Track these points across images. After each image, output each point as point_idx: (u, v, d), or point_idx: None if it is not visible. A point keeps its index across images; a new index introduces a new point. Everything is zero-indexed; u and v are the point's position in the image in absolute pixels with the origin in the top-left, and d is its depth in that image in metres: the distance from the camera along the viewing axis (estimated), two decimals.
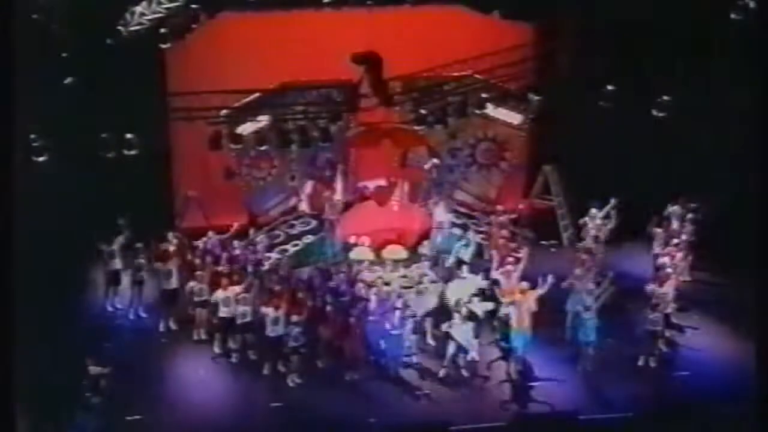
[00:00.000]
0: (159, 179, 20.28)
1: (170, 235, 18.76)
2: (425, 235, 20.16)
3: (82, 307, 18.50)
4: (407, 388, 16.71)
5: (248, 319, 17.04)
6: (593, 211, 19.85)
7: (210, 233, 18.97)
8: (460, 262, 18.62)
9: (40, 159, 17.40)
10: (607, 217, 19.72)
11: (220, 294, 17.27)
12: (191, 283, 17.75)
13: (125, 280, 18.57)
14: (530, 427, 15.54)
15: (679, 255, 18.69)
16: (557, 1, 19.57)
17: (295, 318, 16.59)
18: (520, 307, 16.75)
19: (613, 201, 19.58)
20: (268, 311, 16.68)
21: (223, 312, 17.20)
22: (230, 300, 17.15)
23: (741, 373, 15.58)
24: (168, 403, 16.30)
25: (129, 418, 15.65)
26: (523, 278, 17.33)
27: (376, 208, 20.88)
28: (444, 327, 16.91)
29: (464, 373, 16.78)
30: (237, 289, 17.18)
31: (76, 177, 18.48)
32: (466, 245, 19.07)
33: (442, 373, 16.77)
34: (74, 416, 15.41)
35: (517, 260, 18.24)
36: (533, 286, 16.80)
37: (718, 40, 19.02)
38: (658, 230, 19.35)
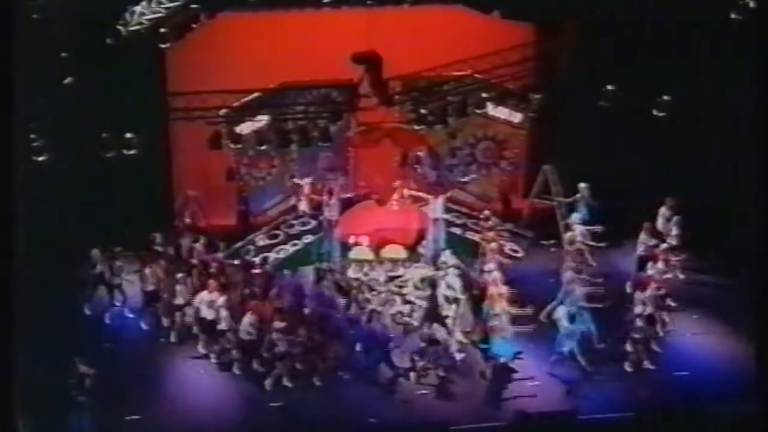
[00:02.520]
0: (159, 179, 20.28)
1: (157, 237, 18.88)
2: (424, 235, 20.17)
3: (82, 307, 18.49)
4: (407, 388, 16.72)
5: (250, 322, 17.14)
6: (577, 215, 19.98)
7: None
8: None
9: (40, 159, 17.38)
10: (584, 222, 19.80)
11: (204, 296, 17.40)
12: (177, 286, 17.88)
13: (119, 280, 18.64)
14: (530, 427, 15.54)
15: (671, 256, 18.69)
16: (557, 1, 19.54)
17: (279, 324, 16.68)
18: (503, 313, 16.84)
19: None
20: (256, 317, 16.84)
21: (205, 314, 17.36)
22: (214, 303, 17.29)
23: (741, 373, 15.59)
24: (167, 403, 16.32)
25: (128, 418, 15.66)
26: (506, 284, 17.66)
27: (376, 208, 20.88)
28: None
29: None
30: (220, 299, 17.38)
31: (76, 177, 18.47)
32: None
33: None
34: (74, 416, 15.44)
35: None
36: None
37: (718, 40, 18.99)
38: (648, 232, 19.38)
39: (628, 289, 18.06)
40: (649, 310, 17.15)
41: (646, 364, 17.09)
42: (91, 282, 18.66)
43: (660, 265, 18.29)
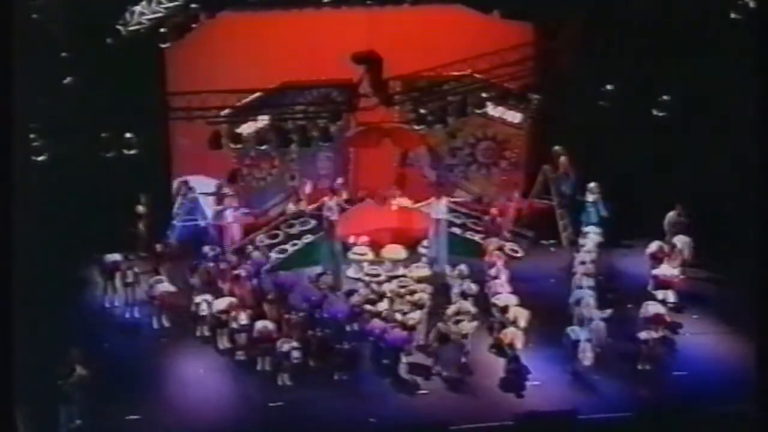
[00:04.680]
0: (159, 179, 20.28)
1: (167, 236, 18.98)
2: (425, 235, 20.16)
3: (82, 307, 18.50)
4: (407, 388, 16.73)
5: (244, 322, 17.19)
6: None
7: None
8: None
9: (40, 159, 17.39)
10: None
11: (219, 303, 17.54)
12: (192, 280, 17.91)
13: (122, 279, 18.63)
14: (530, 427, 15.53)
15: (677, 257, 18.70)
16: (557, 1, 19.55)
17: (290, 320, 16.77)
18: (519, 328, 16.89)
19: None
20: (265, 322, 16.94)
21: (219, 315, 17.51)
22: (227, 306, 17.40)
23: (741, 373, 15.59)
24: (168, 403, 16.32)
25: (128, 417, 15.67)
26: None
27: (376, 208, 20.88)
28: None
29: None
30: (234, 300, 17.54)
31: (76, 177, 18.48)
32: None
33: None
34: (74, 415, 15.46)
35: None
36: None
37: (718, 40, 19.00)
38: (656, 242, 19.37)
39: (650, 288, 18.09)
40: (665, 309, 17.23)
41: (647, 364, 17.09)
42: (90, 282, 18.67)
43: (675, 263, 18.30)
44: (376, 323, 17.18)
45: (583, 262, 18.63)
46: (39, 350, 15.37)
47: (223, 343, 17.54)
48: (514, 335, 16.70)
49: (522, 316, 17.02)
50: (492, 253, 19.07)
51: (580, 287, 17.76)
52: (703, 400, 15.86)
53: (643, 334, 16.96)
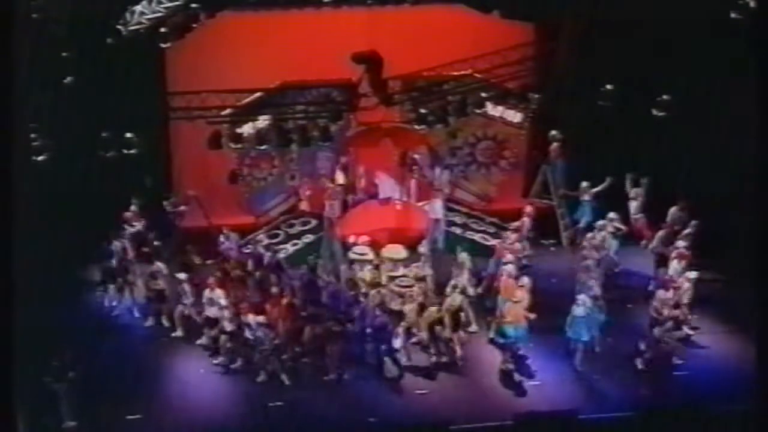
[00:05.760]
0: (159, 179, 20.29)
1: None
2: (425, 235, 20.17)
3: (82, 307, 18.50)
4: (407, 388, 16.72)
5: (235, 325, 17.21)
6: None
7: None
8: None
9: (40, 159, 17.39)
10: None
11: (207, 293, 17.41)
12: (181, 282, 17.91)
13: (121, 279, 18.65)
14: (530, 427, 15.54)
15: (680, 257, 18.68)
16: (557, 1, 19.55)
17: (285, 321, 16.75)
18: (519, 303, 16.83)
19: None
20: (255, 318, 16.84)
21: (209, 313, 17.41)
22: (214, 301, 17.30)
23: (741, 373, 15.60)
24: (168, 403, 16.33)
25: (129, 417, 15.68)
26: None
27: (377, 208, 20.89)
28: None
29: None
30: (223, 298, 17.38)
31: (76, 177, 18.48)
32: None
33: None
34: (74, 415, 15.47)
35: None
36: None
37: (718, 40, 18.99)
38: (660, 232, 19.35)
39: (651, 288, 18.08)
40: (668, 311, 17.20)
41: (647, 363, 17.09)
42: (90, 282, 18.67)
43: (678, 264, 18.32)
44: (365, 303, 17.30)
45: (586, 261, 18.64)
46: (39, 350, 15.37)
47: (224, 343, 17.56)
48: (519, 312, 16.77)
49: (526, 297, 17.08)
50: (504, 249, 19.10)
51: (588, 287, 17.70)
52: (704, 399, 15.88)
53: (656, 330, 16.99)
